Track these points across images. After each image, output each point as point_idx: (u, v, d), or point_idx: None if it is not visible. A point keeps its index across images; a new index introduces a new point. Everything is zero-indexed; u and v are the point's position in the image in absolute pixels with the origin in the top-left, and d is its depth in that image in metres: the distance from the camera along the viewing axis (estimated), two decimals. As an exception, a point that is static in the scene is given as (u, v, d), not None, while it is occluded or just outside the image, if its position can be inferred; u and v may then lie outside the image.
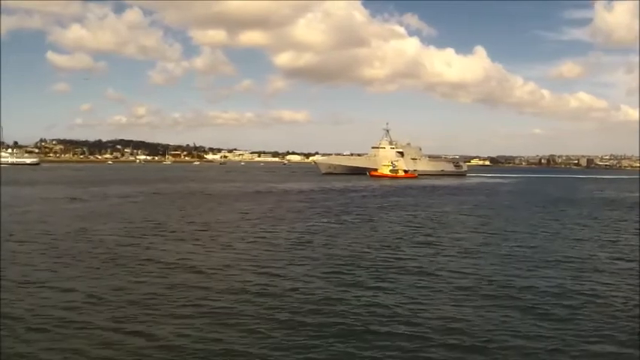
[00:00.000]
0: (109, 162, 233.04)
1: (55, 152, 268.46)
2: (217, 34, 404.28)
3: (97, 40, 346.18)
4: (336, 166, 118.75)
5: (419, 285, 15.37)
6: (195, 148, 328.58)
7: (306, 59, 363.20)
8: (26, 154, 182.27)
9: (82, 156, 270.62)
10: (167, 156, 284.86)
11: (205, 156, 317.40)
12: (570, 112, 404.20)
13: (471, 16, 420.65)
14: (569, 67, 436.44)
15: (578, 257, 20.34)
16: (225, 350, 10.15)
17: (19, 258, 18.37)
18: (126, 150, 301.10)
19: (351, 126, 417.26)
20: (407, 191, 63.60)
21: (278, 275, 16.31)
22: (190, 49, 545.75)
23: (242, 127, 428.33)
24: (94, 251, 19.78)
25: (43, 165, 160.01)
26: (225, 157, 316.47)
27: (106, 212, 33.42)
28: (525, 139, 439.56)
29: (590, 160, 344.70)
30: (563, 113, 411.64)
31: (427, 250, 21.51)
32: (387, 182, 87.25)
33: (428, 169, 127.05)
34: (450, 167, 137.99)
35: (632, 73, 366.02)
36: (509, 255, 20.55)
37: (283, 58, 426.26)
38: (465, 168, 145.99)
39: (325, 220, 31.66)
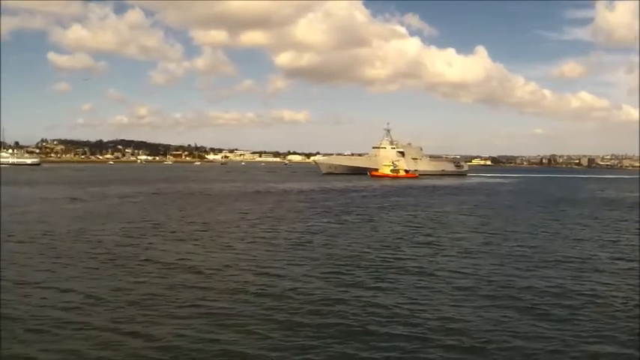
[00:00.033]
0: (110, 162, 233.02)
1: (56, 152, 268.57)
2: (218, 35, 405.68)
3: (98, 40, 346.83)
4: (336, 166, 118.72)
5: (418, 285, 15.33)
6: (197, 148, 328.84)
7: (307, 59, 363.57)
8: (27, 155, 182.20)
9: (83, 156, 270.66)
10: (168, 156, 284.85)
11: (206, 156, 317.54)
12: (571, 111, 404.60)
13: (472, 16, 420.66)
14: (570, 67, 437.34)
15: (578, 257, 20.29)
16: (223, 351, 10.12)
17: (18, 258, 18.34)
18: (127, 150, 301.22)
19: (352, 126, 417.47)
20: (407, 191, 63.56)
21: (277, 275, 16.29)
22: (191, 50, 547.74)
23: (243, 127, 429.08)
24: (93, 251, 19.76)
25: (44, 165, 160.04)
26: (227, 157, 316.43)
27: (105, 212, 33.40)
28: (526, 139, 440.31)
29: (591, 160, 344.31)
30: (564, 113, 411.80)
31: (427, 250, 21.47)
32: (388, 182, 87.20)
33: (429, 169, 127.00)
34: (450, 167, 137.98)
35: (633, 73, 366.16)
36: (509, 255, 20.50)
37: (284, 58, 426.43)
38: (465, 168, 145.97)
39: (325, 220, 31.62)
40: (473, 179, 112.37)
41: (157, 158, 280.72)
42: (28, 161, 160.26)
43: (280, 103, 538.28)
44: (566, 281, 16.12)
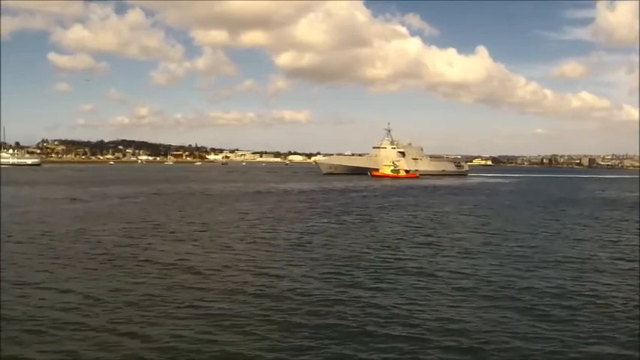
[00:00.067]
0: (111, 162, 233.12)
1: (57, 153, 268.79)
2: (219, 35, 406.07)
3: (98, 40, 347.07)
4: (337, 166, 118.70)
5: (418, 286, 15.28)
6: (197, 148, 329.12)
7: (307, 59, 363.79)
8: (27, 155, 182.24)
9: (83, 156, 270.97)
10: (169, 156, 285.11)
11: (207, 156, 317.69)
12: (572, 111, 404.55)
13: (472, 16, 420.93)
14: (571, 67, 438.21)
15: (578, 257, 20.24)
16: (221, 352, 10.09)
17: (17, 259, 18.32)
18: (128, 150, 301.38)
19: (352, 126, 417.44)
20: (408, 191, 63.50)
21: (276, 276, 16.24)
22: (192, 50, 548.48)
23: (244, 128, 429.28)
24: (92, 252, 19.73)
25: (44, 165, 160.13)
26: (227, 157, 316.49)
27: (105, 213, 33.38)
28: (527, 138, 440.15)
29: (592, 160, 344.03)
30: (565, 113, 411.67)
31: (427, 250, 21.42)
32: (389, 182, 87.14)
33: (429, 169, 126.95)
34: (451, 167, 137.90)
35: (634, 73, 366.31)
36: (509, 255, 20.45)
37: (285, 59, 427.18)
38: (466, 168, 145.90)
39: (325, 220, 31.58)
40: (473, 179, 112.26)
41: (158, 158, 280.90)
42: (29, 161, 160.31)
43: (281, 104, 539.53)
44: (566, 282, 16.07)
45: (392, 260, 19.10)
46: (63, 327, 11.40)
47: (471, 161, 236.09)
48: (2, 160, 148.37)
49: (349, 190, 62.71)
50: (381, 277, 16.32)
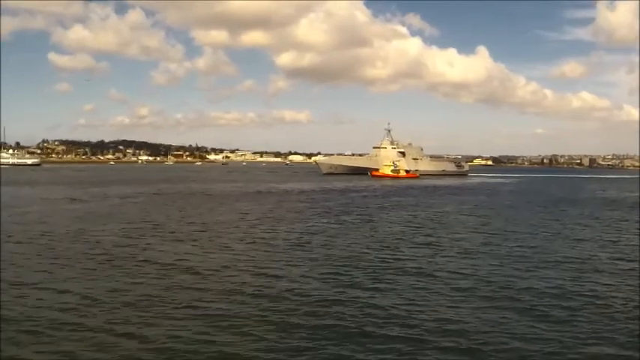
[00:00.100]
0: (111, 162, 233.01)
1: (57, 153, 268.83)
2: (219, 35, 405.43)
3: (99, 40, 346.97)
4: (337, 166, 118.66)
5: (416, 286, 15.23)
6: (198, 148, 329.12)
7: (308, 59, 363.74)
8: (27, 155, 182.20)
9: (84, 157, 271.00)
10: (169, 156, 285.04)
11: (207, 156, 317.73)
12: (573, 111, 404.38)
13: (473, 16, 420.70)
14: (571, 67, 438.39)
15: (578, 258, 20.19)
16: (218, 352, 10.05)
17: (16, 259, 18.29)
18: (128, 150, 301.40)
19: (353, 126, 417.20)
20: (408, 191, 63.44)
21: (275, 276, 16.20)
22: (192, 50, 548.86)
23: (244, 128, 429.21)
24: (91, 252, 19.69)
25: (44, 166, 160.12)
26: (228, 157, 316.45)
27: (105, 213, 33.34)
28: (528, 138, 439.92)
29: (592, 160, 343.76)
30: (565, 113, 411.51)
31: (426, 250, 21.37)
32: (389, 182, 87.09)
33: (429, 169, 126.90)
34: (451, 167, 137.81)
35: (634, 73, 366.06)
36: (509, 255, 20.40)
37: (285, 59, 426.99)
38: (466, 168, 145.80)
39: (325, 220, 31.53)
40: (474, 179, 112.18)
41: (158, 158, 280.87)
42: (29, 162, 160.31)
43: (281, 103, 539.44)
44: (565, 282, 16.02)
45: (391, 260, 19.05)
46: (60, 327, 11.37)
47: (472, 161, 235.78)
48: (2, 160, 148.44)
49: (349, 190, 62.67)
50: (380, 277, 16.27)
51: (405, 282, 15.71)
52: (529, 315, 12.57)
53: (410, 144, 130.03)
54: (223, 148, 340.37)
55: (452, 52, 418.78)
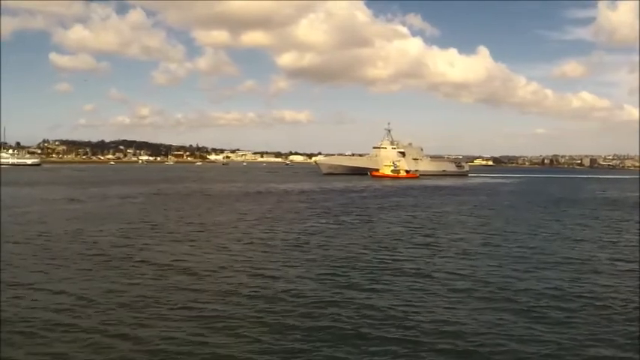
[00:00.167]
0: (112, 162, 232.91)
1: (58, 153, 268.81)
2: (220, 35, 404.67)
3: (99, 40, 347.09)
4: (337, 167, 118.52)
5: (414, 287, 15.12)
6: (198, 148, 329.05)
7: (308, 59, 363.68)
8: (27, 155, 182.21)
9: (84, 156, 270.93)
10: (170, 156, 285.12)
11: (208, 156, 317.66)
12: (573, 111, 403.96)
13: (473, 16, 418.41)
14: (572, 67, 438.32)
15: (577, 258, 20.08)
16: (212, 354, 9.96)
17: (13, 259, 18.19)
18: (129, 151, 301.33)
19: (354, 126, 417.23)
20: (408, 191, 63.32)
21: (271, 277, 16.10)
22: (193, 50, 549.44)
23: (244, 128, 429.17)
24: (88, 253, 19.60)
25: (45, 166, 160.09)
26: (228, 157, 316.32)
27: (104, 213, 33.26)
28: (528, 139, 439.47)
29: (593, 160, 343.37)
30: (566, 113, 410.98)
31: (425, 251, 21.26)
32: (389, 182, 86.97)
33: (429, 170, 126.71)
34: (451, 167, 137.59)
35: (635, 73, 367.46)
36: (508, 256, 20.29)
37: (286, 59, 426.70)
38: (466, 168, 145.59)
39: (324, 220, 31.42)
40: (474, 179, 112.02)
41: (159, 159, 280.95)
42: (29, 162, 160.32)
43: (282, 104, 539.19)
44: (564, 283, 15.91)
45: (389, 261, 18.95)
46: (54, 328, 11.28)
47: (472, 161, 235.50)
48: (2, 160, 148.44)
49: (349, 191, 62.56)
50: (377, 278, 16.17)
51: (403, 283, 15.60)
52: (527, 316, 12.47)
53: (410, 144, 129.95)
54: (224, 148, 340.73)
55: (452, 52, 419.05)
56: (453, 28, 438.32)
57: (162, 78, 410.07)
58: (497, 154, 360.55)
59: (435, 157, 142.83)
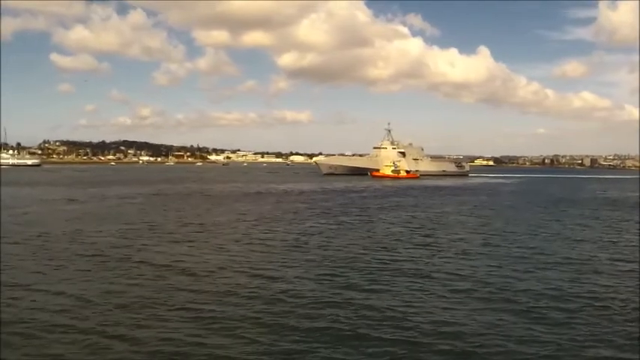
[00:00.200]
0: (112, 163, 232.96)
1: (59, 153, 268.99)
2: (220, 35, 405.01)
3: (100, 41, 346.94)
4: (337, 167, 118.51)
5: (413, 288, 15.08)
6: (199, 149, 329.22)
7: (309, 59, 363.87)
8: (27, 156, 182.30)
9: (85, 157, 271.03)
10: (170, 157, 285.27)
11: (208, 157, 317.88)
12: (574, 111, 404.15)
13: (474, 16, 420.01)
14: (572, 67, 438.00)
15: (577, 258, 20.03)
16: (209, 355, 9.91)
17: (11, 260, 18.15)
18: (129, 151, 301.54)
19: (354, 126, 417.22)
20: (408, 192, 63.27)
21: (270, 278, 16.06)
22: (194, 50, 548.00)
23: (245, 128, 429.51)
24: (87, 253, 19.56)
25: (45, 166, 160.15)
26: (229, 157, 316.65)
27: (104, 214, 33.23)
28: (529, 139, 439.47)
29: (593, 160, 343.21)
30: (566, 113, 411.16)
31: (424, 251, 21.21)
32: (389, 183, 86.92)
33: (430, 170, 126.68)
34: (452, 167, 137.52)
35: (635, 73, 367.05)
36: (508, 256, 20.23)
37: (286, 59, 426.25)
38: (467, 168, 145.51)
39: (323, 221, 31.36)
40: (474, 180, 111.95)
41: (159, 159, 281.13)
42: (29, 162, 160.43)
43: (282, 104, 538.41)
44: (564, 283, 15.85)
45: (388, 262, 18.90)
46: (52, 330, 11.25)
47: (473, 161, 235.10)
48: (2, 160, 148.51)
49: (349, 191, 62.51)
50: (377, 278, 16.12)
51: (402, 283, 15.55)
52: (526, 317, 12.42)
53: (410, 144, 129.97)
54: (224, 148, 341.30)
55: (453, 52, 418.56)
56: (453, 28, 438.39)
57: (162, 78, 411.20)
58: (497, 154, 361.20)
59: (435, 157, 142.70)
